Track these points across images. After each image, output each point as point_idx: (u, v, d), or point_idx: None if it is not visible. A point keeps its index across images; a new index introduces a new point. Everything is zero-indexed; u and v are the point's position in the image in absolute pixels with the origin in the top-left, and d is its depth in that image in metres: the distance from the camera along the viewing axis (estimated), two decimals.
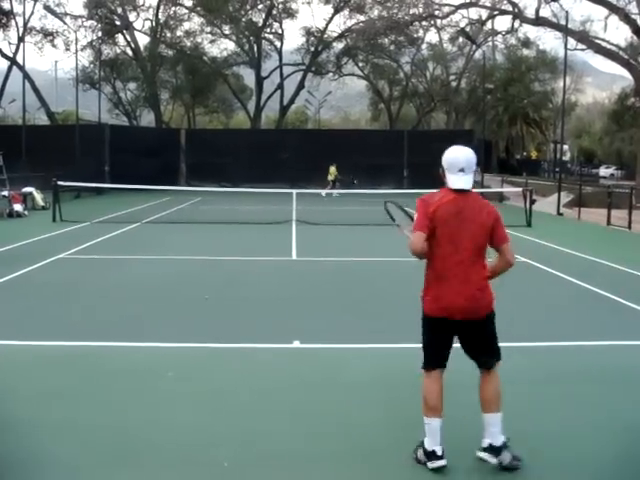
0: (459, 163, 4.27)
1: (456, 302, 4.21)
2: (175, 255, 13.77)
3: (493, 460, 4.26)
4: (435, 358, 4.38)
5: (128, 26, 51.92)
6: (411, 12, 48.16)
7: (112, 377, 6.14)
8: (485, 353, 4.40)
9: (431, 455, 4.26)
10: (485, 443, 4.32)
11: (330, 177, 35.49)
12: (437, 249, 4.26)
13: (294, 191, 26.35)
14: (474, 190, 4.39)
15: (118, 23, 52.34)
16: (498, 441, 4.28)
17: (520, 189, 26.03)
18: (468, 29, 53.40)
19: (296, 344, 7.18)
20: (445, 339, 4.34)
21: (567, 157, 73.10)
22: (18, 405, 5.43)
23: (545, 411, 5.44)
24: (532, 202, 21.49)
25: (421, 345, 4.44)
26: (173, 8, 53.75)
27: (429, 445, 4.29)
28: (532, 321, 8.55)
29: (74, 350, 6.97)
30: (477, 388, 4.53)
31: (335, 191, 33.50)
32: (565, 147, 63.35)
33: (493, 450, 4.28)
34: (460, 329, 4.31)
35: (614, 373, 6.43)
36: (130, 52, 54.07)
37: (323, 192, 33.16)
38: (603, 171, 66.85)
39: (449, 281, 4.24)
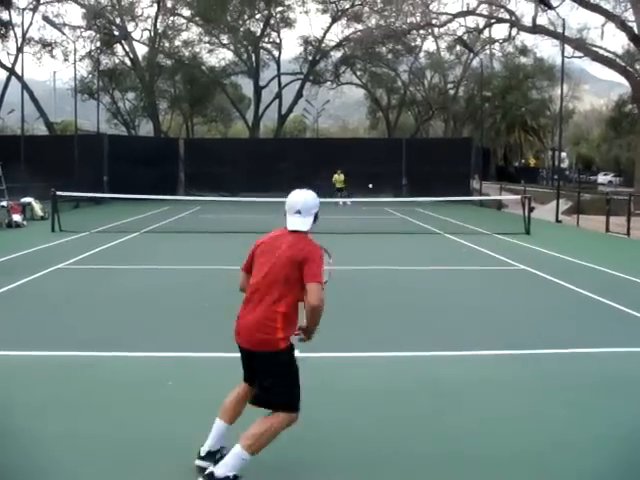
0: (296, 205, 4.33)
1: (237, 327, 4.28)
2: (174, 265, 13.77)
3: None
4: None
5: (126, 36, 52.02)
6: (409, 21, 48.26)
7: (112, 387, 6.13)
8: (261, 390, 4.26)
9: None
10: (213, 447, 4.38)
11: (339, 185, 35.50)
12: (250, 278, 4.40)
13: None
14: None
15: (116, 33, 52.44)
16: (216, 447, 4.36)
17: (519, 197, 26.06)
18: (465, 37, 53.57)
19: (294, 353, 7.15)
20: (243, 359, 4.39)
21: (565, 164, 73.26)
22: (18, 415, 5.42)
23: (545, 419, 5.43)
24: (530, 210, 21.50)
25: None
26: (171, 18, 53.88)
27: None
28: (531, 328, 8.55)
29: (73, 360, 6.96)
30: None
31: (348, 200, 32.50)
32: (563, 154, 63.46)
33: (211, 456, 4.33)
34: (244, 355, 4.35)
35: (614, 380, 6.43)
36: (128, 62, 54.15)
37: (340, 201, 32.37)
38: (601, 178, 66.96)
39: (243, 306, 4.33)
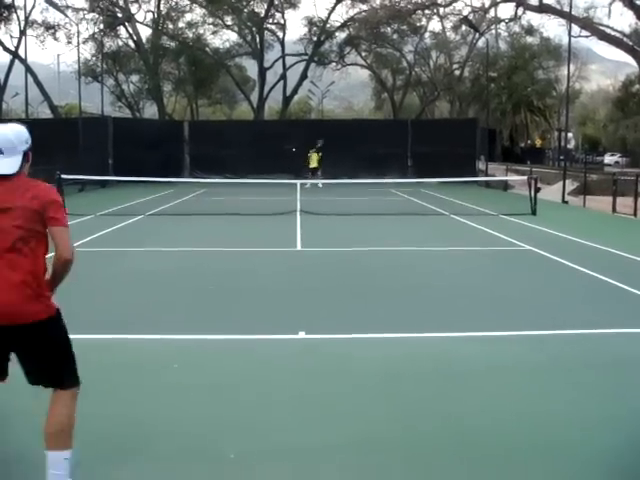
0: None
1: None
2: (180, 247, 13.77)
3: None
4: None
5: (130, 18, 51.79)
6: (414, 1, 47.96)
7: (117, 369, 6.13)
8: (39, 370, 3.64)
9: None
10: None
11: (313, 164, 34.28)
12: None
13: (298, 181, 26.35)
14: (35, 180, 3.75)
15: (120, 15, 52.22)
16: None
17: (525, 177, 25.95)
18: (471, 17, 53.22)
19: (301, 335, 7.16)
20: None
21: (572, 145, 72.84)
22: (23, 399, 5.42)
23: (552, 399, 5.41)
24: (537, 190, 21.41)
25: None
26: None
27: None
28: (538, 309, 8.52)
29: (78, 343, 6.94)
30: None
31: (320, 182, 31.72)
32: (569, 135, 63.12)
33: None
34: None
35: (621, 361, 6.40)
36: (132, 44, 53.96)
37: (308, 183, 31.15)
38: (608, 158, 66.52)
39: None
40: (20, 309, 3.46)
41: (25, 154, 3.65)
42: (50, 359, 3.64)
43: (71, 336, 7.26)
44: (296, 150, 36.61)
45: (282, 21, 55.41)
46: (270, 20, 55.14)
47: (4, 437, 4.77)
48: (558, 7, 38.47)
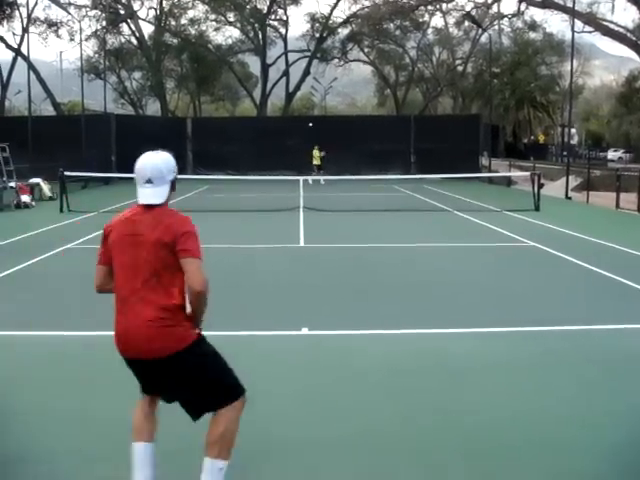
0: (145, 173, 3.61)
1: (122, 338, 3.58)
2: None
3: None
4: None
5: (132, 15, 51.80)
6: None
7: (119, 366, 6.12)
8: (186, 398, 3.64)
9: None
10: None
11: (315, 162, 34.41)
12: (115, 278, 3.61)
13: (301, 178, 26.34)
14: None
15: (122, 12, 52.25)
16: None
17: (528, 173, 25.91)
18: (474, 13, 53.12)
19: (304, 331, 7.17)
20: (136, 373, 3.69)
21: (575, 141, 72.70)
22: (29, 396, 5.44)
23: (554, 395, 5.41)
24: (540, 186, 21.39)
25: None
26: None
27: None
28: (541, 305, 8.52)
29: (83, 340, 6.98)
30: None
31: (321, 177, 31.69)
32: (573, 131, 62.92)
33: None
34: (139, 368, 3.64)
35: (624, 357, 6.40)
36: (135, 41, 53.99)
37: (310, 179, 31.02)
38: (611, 154, 66.43)
39: (121, 314, 3.57)
40: (152, 345, 3.43)
41: (172, 183, 3.66)
42: (192, 390, 3.57)
43: (75, 333, 7.29)
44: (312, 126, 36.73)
45: (284, 17, 55.43)
46: (272, 16, 55.15)
47: (4, 437, 4.77)
48: (561, 2, 38.38)
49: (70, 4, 49.09)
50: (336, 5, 53.95)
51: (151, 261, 3.44)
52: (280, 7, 54.65)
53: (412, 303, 8.72)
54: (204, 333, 3.65)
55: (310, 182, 30.67)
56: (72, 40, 50.56)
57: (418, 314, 8.13)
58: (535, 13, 57.23)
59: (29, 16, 43.19)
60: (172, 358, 3.44)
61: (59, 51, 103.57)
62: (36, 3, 46.17)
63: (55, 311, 8.28)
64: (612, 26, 37.52)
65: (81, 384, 5.71)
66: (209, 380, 3.57)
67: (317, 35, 55.03)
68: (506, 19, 57.84)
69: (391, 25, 53.80)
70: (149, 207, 3.55)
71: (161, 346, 3.42)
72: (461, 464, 4.24)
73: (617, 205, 21.45)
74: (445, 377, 5.84)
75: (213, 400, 3.54)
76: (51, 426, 4.82)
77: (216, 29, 56.10)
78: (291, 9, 55.73)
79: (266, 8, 53.78)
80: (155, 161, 3.63)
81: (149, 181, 3.56)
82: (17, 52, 46.32)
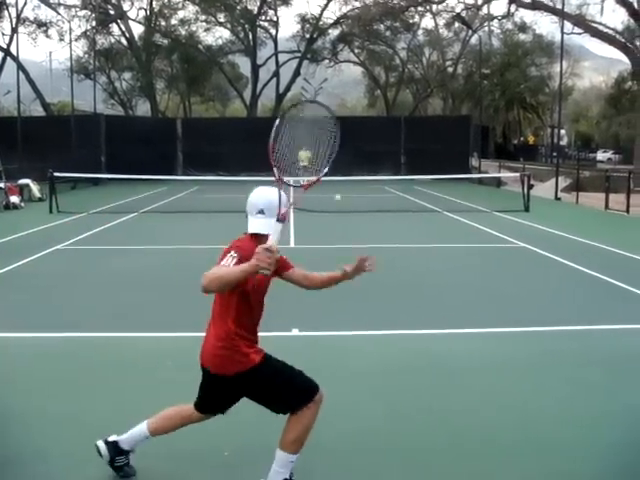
0: (258, 204, 3.89)
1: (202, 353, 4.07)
2: (172, 244, 13.75)
3: None
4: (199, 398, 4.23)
5: (122, 15, 51.62)
6: None
7: (111, 367, 6.12)
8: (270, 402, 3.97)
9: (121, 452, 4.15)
10: None
11: (303, 163, 34.72)
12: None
13: (291, 179, 26.20)
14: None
15: (112, 12, 52.03)
16: None
17: (518, 174, 25.99)
18: (464, 14, 53.21)
19: (295, 332, 7.17)
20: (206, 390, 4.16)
21: (564, 142, 72.97)
22: (17, 397, 5.41)
23: (547, 395, 5.43)
24: (530, 187, 21.47)
25: None
26: None
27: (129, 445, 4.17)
28: (532, 305, 8.55)
29: (73, 341, 6.95)
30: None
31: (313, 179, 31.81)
32: (562, 132, 63.19)
33: None
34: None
35: (614, 357, 6.43)
36: (125, 42, 53.79)
37: (292, 180, 31.33)
38: (600, 155, 66.74)
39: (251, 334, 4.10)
40: (216, 364, 3.96)
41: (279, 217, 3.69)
42: (265, 402, 3.95)
43: (64, 334, 7.27)
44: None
45: (275, 18, 55.38)
46: (263, 17, 55.08)
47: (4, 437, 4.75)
48: (551, 4, 38.51)
49: (60, 4, 48.84)
50: (326, 6, 53.97)
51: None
52: (270, 8, 54.60)
53: (402, 304, 8.73)
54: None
55: (292, 182, 30.64)
56: (62, 40, 50.31)
57: (409, 315, 8.14)
58: (525, 14, 57.39)
59: (18, 16, 42.99)
60: (237, 377, 3.86)
61: (49, 51, 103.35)
62: (25, 3, 45.91)
63: (45, 312, 8.25)
64: (601, 28, 37.64)
65: (72, 385, 5.68)
66: (276, 391, 3.91)
67: (307, 36, 55.02)
68: (496, 20, 57.94)
69: (381, 26, 53.82)
70: (256, 236, 3.84)
71: (222, 366, 3.90)
72: (455, 464, 4.25)
73: (606, 206, 21.55)
74: (438, 377, 5.85)
75: (286, 406, 3.86)
76: (42, 427, 4.79)
77: (206, 30, 56.00)
78: (281, 10, 55.79)
79: (256, 9, 53.71)
80: (269, 195, 3.89)
81: (261, 212, 3.86)
82: (6, 52, 46.07)
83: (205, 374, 4.01)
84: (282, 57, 56.20)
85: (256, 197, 3.93)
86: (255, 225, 3.84)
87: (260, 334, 7.60)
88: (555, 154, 40.16)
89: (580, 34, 39.99)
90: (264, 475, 3.97)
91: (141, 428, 4.13)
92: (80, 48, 51.56)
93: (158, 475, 4.19)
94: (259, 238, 3.77)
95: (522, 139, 68.21)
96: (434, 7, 53.44)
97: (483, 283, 10.14)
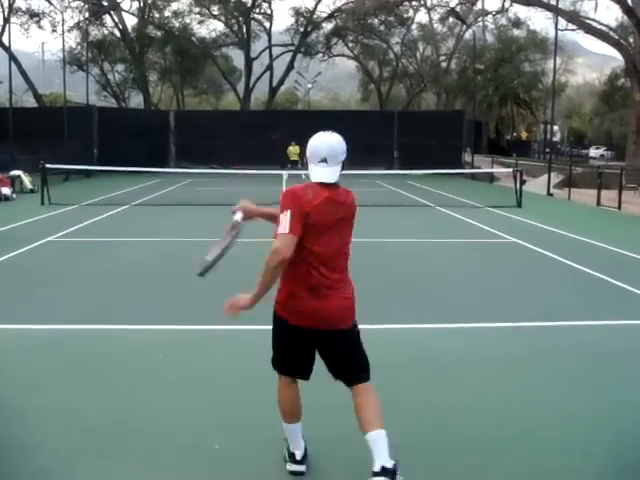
0: (321, 152, 3.70)
1: (324, 311, 3.81)
2: (165, 237, 13.72)
3: None
4: (290, 366, 4.04)
5: (115, 7, 51.41)
6: None
7: (100, 360, 6.10)
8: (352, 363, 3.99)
9: (292, 457, 4.03)
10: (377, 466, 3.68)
11: (293, 157, 34.37)
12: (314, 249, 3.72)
13: (284, 172, 26.26)
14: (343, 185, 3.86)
15: (105, 4, 51.82)
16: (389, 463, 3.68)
17: (510, 170, 26.03)
18: (458, 9, 53.24)
19: None
20: (302, 349, 3.93)
21: (557, 138, 73.14)
22: (4, 389, 5.39)
23: (542, 391, 5.43)
24: (522, 183, 21.49)
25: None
26: None
27: (291, 447, 4.06)
28: (524, 301, 8.56)
29: (62, 333, 6.93)
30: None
31: (302, 172, 31.65)
32: (555, 128, 63.33)
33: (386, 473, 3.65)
34: (321, 340, 3.89)
35: (606, 353, 6.45)
36: (118, 33, 53.61)
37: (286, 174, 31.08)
38: (593, 152, 66.89)
39: (331, 292, 3.83)
40: (348, 317, 3.98)
41: (342, 164, 3.76)
42: (350, 358, 3.97)
43: (54, 326, 7.25)
44: (278, 139, 36.55)
45: (269, 11, 55.33)
46: (257, 10, 54.97)
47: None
48: (545, 0, 38.49)
49: None
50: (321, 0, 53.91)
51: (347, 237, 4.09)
52: (264, 1, 54.54)
53: (394, 298, 8.73)
54: None
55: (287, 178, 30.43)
56: (54, 31, 50.08)
57: (401, 309, 8.14)
58: (519, 10, 57.76)
59: (10, 6, 42.80)
60: (349, 328, 3.93)
61: (41, 42, 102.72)
62: None
63: (34, 304, 8.21)
64: (595, 24, 37.70)
65: (63, 377, 5.66)
66: (362, 354, 4.01)
67: (301, 29, 54.95)
68: (490, 16, 58.11)
69: (375, 20, 53.83)
70: (327, 185, 3.71)
71: (349, 317, 3.95)
72: (448, 460, 4.25)
73: (598, 202, 21.61)
74: (430, 372, 5.85)
75: (363, 369, 3.94)
76: (32, 420, 4.77)
77: (200, 22, 55.92)
78: (275, 3, 56.20)
79: (250, 2, 53.59)
80: (329, 141, 3.74)
81: (324, 160, 3.69)
82: None
83: (316, 335, 3.83)
84: (276, 50, 56.14)
85: (319, 145, 3.74)
86: (319, 174, 3.69)
87: (255, 327, 7.60)
88: (548, 150, 40.24)
89: (574, 30, 40.13)
90: (257, 469, 3.98)
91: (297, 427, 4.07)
92: (73, 39, 51.42)
93: (156, 466, 4.18)
94: (326, 185, 3.69)
95: (515, 135, 68.32)
96: (428, 1, 53.60)
97: (474, 278, 10.14)
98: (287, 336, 3.90)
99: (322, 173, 3.69)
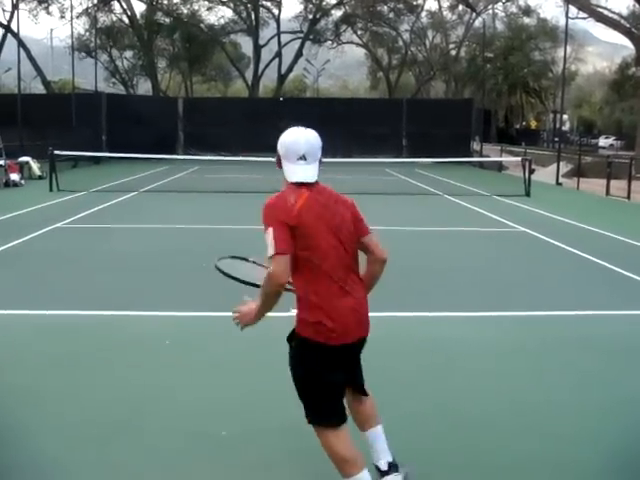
0: (299, 150, 3.38)
1: (353, 319, 3.52)
2: (173, 224, 13.73)
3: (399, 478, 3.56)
4: (334, 409, 3.46)
5: None
6: None
7: (111, 345, 6.13)
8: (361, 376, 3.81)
9: None
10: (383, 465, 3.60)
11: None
12: (315, 261, 3.38)
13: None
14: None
15: None
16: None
17: (519, 159, 25.93)
18: None
19: (293, 312, 7.13)
20: (339, 375, 3.47)
21: (567, 127, 72.76)
22: (18, 374, 5.41)
23: (546, 381, 5.43)
24: (531, 172, 21.41)
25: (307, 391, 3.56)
26: None
27: None
28: (531, 290, 8.54)
29: (72, 319, 6.95)
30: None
31: None
32: (565, 117, 62.98)
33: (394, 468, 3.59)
34: (350, 355, 3.57)
35: (614, 343, 6.43)
36: (126, 20, 53.51)
37: None
38: (602, 141, 66.59)
39: (347, 294, 3.49)
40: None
41: (320, 161, 3.46)
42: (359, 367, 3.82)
43: (64, 312, 7.27)
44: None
45: None
46: None
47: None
48: None
49: None
50: None
51: (351, 237, 3.60)
52: None
53: (401, 286, 8.71)
54: None
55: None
56: (63, 17, 50.11)
57: (407, 298, 8.13)
58: None
59: None
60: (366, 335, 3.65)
61: (50, 28, 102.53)
62: None
63: (44, 290, 8.24)
64: (606, 13, 37.39)
65: (68, 363, 5.69)
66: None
67: (310, 16, 54.71)
68: (500, 3, 57.77)
69: (385, 7, 53.59)
70: (307, 185, 3.38)
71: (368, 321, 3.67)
72: (449, 449, 4.25)
73: (607, 192, 21.51)
74: (435, 361, 5.85)
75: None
76: (35, 407, 4.79)
77: (209, 9, 55.77)
78: None
79: None
80: (308, 137, 3.42)
81: (302, 157, 3.38)
82: (7, 29, 45.79)
83: (346, 350, 3.48)
84: (284, 37, 55.96)
85: (295, 140, 3.42)
86: (299, 173, 3.37)
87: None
88: (557, 139, 40.05)
89: (585, 19, 39.83)
90: (263, 456, 3.99)
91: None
92: (81, 26, 51.42)
93: (163, 451, 4.19)
94: (305, 185, 3.35)
95: (524, 124, 68.09)
96: None
97: (482, 267, 10.12)
98: (327, 366, 3.41)
99: (302, 172, 3.36)
